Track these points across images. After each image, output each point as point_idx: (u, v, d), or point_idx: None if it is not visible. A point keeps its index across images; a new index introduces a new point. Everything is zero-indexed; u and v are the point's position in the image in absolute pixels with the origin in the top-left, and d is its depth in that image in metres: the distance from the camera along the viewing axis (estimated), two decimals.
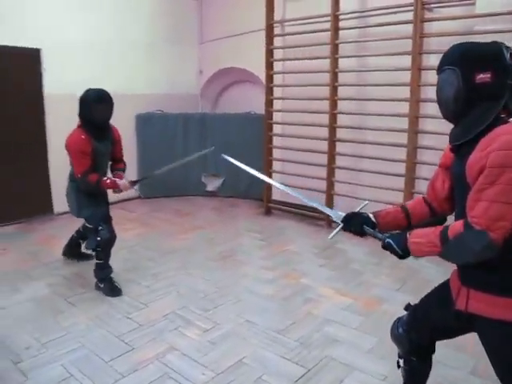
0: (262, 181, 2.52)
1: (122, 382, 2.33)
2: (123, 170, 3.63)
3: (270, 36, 5.10)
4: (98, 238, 3.31)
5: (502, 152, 1.28)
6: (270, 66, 5.19)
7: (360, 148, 4.67)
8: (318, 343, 2.70)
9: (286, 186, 2.24)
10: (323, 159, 4.86)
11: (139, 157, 6.21)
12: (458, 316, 1.52)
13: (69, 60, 5.08)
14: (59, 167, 5.19)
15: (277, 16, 5.14)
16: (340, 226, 1.75)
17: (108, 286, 3.34)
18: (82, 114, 3.30)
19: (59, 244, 4.35)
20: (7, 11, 4.58)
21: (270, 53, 5.15)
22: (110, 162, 3.60)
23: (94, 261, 3.40)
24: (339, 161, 4.85)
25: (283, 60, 5.25)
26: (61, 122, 5.14)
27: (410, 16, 3.89)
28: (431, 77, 4.03)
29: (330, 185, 4.87)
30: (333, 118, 4.69)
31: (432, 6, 3.91)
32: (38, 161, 5.10)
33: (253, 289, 3.47)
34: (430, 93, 3.96)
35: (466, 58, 1.39)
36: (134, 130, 6.13)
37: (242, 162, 6.29)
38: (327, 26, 4.52)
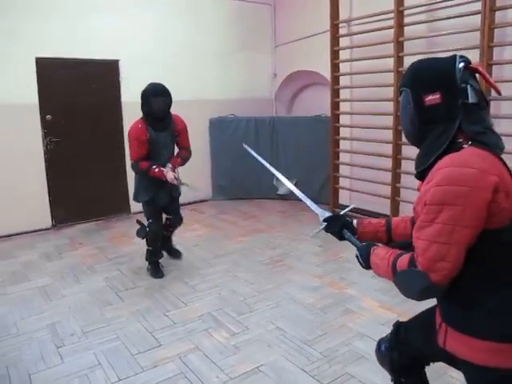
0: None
1: (140, 375, 2.45)
2: (184, 158, 3.76)
3: (334, 36, 4.97)
4: (147, 229, 3.67)
5: (440, 188, 1.17)
6: (334, 67, 5.05)
7: None
8: (343, 358, 2.57)
9: (290, 182, 2.16)
10: (389, 164, 4.60)
11: (212, 159, 6.45)
12: (438, 350, 1.38)
13: (144, 69, 5.46)
14: None
15: (343, 15, 4.98)
16: (322, 226, 1.71)
17: (153, 268, 3.79)
18: (142, 107, 3.52)
19: (127, 241, 4.72)
20: (91, 29, 5.10)
21: (334, 54, 5.01)
22: (173, 152, 3.78)
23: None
24: (406, 166, 4.55)
25: (348, 61, 5.07)
26: None
27: (478, 6, 3.51)
28: (508, 71, 3.63)
29: (395, 190, 4.58)
30: (397, 119, 4.41)
31: None
32: (116, 163, 5.56)
33: (294, 295, 3.41)
34: (505, 90, 3.55)
35: (415, 79, 1.31)
36: (207, 133, 6.37)
37: (311, 165, 6.27)
38: (391, 23, 4.27)
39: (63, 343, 2.78)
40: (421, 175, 1.34)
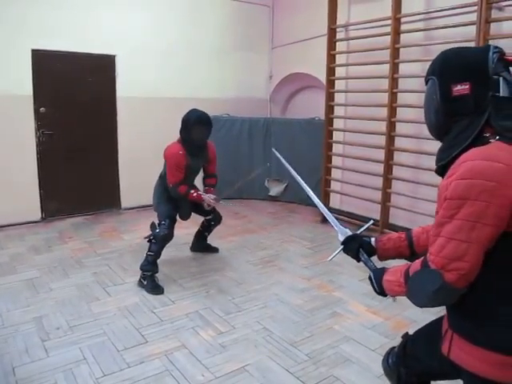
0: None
1: (126, 371, 2.44)
2: (214, 186, 3.91)
3: (331, 41, 4.99)
4: (157, 230, 3.50)
5: (463, 181, 1.09)
6: (330, 71, 5.08)
7: (418, 158, 4.37)
8: (329, 361, 2.58)
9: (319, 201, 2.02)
10: (381, 169, 4.64)
11: None
12: (443, 359, 1.32)
13: (140, 66, 5.46)
14: (127, 165, 5.64)
15: (341, 20, 5.01)
16: (340, 248, 1.65)
17: (150, 283, 3.45)
18: (182, 132, 3.54)
19: (117, 236, 4.71)
20: (89, 23, 5.07)
21: (330, 58, 5.03)
22: (199, 176, 3.93)
23: (146, 252, 3.53)
24: (397, 171, 4.59)
25: (344, 65, 5.10)
26: (129, 123, 5.59)
27: (474, 17, 3.56)
28: None
29: (386, 196, 4.62)
30: (391, 125, 4.45)
31: (502, 4, 3.53)
32: (109, 158, 5.54)
33: (282, 297, 3.42)
34: None
35: (444, 67, 1.23)
36: None
37: (303, 168, 6.25)
38: (388, 29, 4.31)
39: (49, 337, 2.77)
40: (442, 170, 1.26)
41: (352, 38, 4.95)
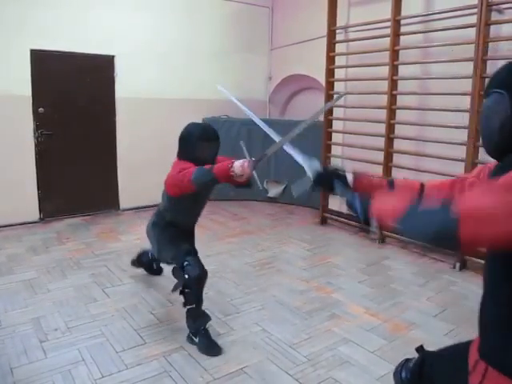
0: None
1: (124, 372, 2.44)
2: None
3: (330, 42, 4.99)
4: (186, 276, 2.65)
5: None
6: (330, 72, 5.08)
7: (418, 160, 4.37)
8: (327, 363, 2.58)
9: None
10: (380, 171, 4.64)
11: None
12: None
13: (140, 66, 5.46)
14: (126, 165, 5.63)
15: (340, 22, 5.02)
16: (309, 185, 1.57)
17: (204, 341, 2.69)
18: (183, 152, 2.82)
19: (115, 237, 4.70)
20: (88, 23, 5.07)
21: (330, 59, 5.04)
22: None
23: (186, 308, 2.75)
24: (396, 173, 4.58)
25: (343, 67, 5.11)
26: (128, 124, 5.58)
27: (473, 19, 3.57)
28: None
29: None
30: (390, 127, 4.45)
31: (502, 6, 3.54)
32: (108, 159, 5.53)
33: (281, 298, 3.42)
34: None
35: None
36: None
37: (301, 169, 6.15)
38: (388, 31, 4.31)
39: (47, 338, 2.76)
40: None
41: (351, 40, 4.96)
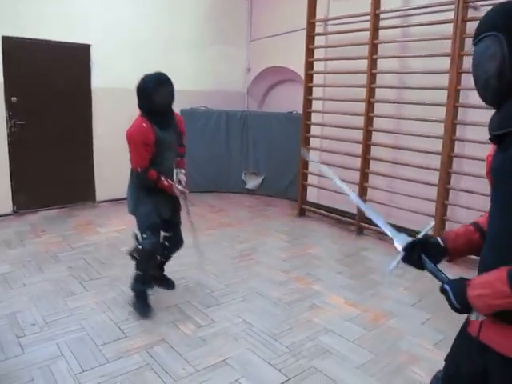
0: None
1: (105, 366, 2.41)
2: (183, 156, 3.29)
3: (310, 35, 5.00)
4: (139, 247, 2.94)
5: None
6: (309, 65, 5.09)
7: (395, 153, 4.45)
8: (308, 352, 2.62)
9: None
10: (358, 163, 4.70)
11: None
12: (471, 347, 1.21)
13: (116, 56, 5.35)
14: (102, 156, 5.53)
15: (320, 14, 5.03)
16: (399, 258, 1.34)
17: (140, 302, 3.02)
18: (141, 103, 2.91)
19: (92, 230, 4.62)
20: (63, 11, 4.92)
21: (309, 52, 5.04)
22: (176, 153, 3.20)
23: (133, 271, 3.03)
24: (374, 166, 4.66)
25: (322, 60, 5.13)
26: (104, 114, 5.47)
27: (451, 15, 3.63)
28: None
29: (363, 189, 4.68)
30: (368, 120, 4.51)
31: (478, 4, 3.61)
32: (83, 150, 5.41)
33: (261, 290, 3.44)
34: (470, 98, 3.69)
35: (510, 20, 1.06)
36: None
37: (280, 161, 6.07)
38: (367, 25, 4.35)
39: (24, 333, 2.70)
40: (500, 138, 1.13)
41: (331, 33, 4.98)
